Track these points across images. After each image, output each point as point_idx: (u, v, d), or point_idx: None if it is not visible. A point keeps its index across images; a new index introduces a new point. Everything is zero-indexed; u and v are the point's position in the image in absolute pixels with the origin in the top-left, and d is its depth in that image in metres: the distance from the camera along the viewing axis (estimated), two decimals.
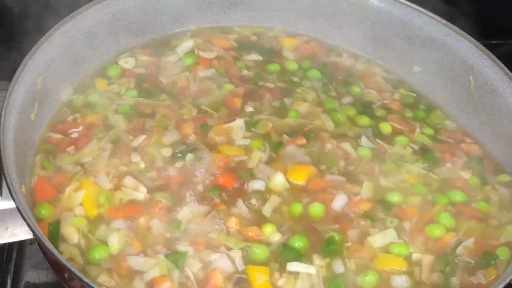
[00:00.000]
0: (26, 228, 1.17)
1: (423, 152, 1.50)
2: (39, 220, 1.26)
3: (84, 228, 1.26)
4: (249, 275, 1.22)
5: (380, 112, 1.58)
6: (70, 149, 1.40)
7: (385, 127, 1.54)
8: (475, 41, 1.59)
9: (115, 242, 1.24)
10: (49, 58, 1.44)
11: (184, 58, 1.65)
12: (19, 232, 1.26)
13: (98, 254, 1.22)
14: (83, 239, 1.25)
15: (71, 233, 1.26)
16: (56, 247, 1.22)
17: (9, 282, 1.46)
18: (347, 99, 1.61)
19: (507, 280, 1.16)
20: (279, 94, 1.59)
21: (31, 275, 1.48)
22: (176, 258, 1.22)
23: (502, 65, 1.53)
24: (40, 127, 1.42)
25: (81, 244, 1.24)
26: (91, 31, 1.55)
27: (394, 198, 1.38)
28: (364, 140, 1.50)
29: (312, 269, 1.24)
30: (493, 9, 2.11)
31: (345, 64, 1.71)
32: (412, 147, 1.50)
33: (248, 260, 1.24)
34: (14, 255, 1.49)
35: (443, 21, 1.63)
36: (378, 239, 1.31)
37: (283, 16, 1.77)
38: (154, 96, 1.53)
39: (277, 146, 1.45)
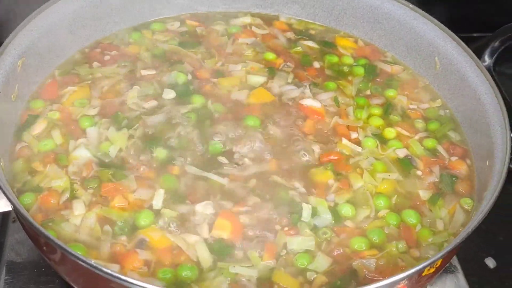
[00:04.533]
0: (4, 200, 1.23)
1: (402, 162, 1.47)
2: (27, 110, 1.49)
3: (54, 123, 1.46)
4: None
5: (396, 118, 1.58)
6: (96, 64, 1.62)
7: (389, 132, 1.54)
8: (440, 24, 1.64)
9: (57, 136, 1.44)
10: (29, 42, 1.50)
11: (230, 28, 1.79)
12: None
13: (46, 144, 1.42)
14: (45, 132, 1.44)
15: (39, 126, 1.45)
16: (21, 136, 1.43)
17: None
18: (378, 100, 1.63)
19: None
20: (322, 75, 1.67)
21: (13, 253, 1.50)
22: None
23: (465, 46, 1.57)
24: (20, 108, 1.49)
25: (42, 136, 1.44)
26: (70, 16, 1.61)
27: (345, 210, 1.35)
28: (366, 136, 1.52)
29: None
30: (471, 3, 2.16)
31: (390, 70, 1.72)
32: (397, 154, 1.49)
33: None
34: None
35: (410, 5, 1.69)
36: (295, 242, 1.28)
37: None
38: (190, 47, 1.70)
39: None
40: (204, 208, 1.32)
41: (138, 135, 1.45)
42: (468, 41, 1.61)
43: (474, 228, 1.15)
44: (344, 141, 1.49)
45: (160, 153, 1.42)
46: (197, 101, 1.55)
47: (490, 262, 1.60)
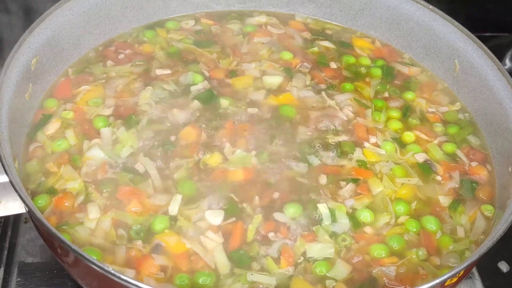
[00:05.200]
0: (19, 202, 1.21)
1: (422, 167, 1.45)
2: (41, 109, 1.47)
3: (68, 122, 1.44)
4: None
5: (414, 121, 1.55)
6: (110, 63, 1.60)
7: (408, 136, 1.51)
8: (460, 25, 1.61)
9: (71, 136, 1.42)
10: (43, 41, 1.48)
11: (246, 27, 1.77)
12: (12, 206, 1.29)
13: (60, 144, 1.41)
14: (59, 131, 1.43)
15: (53, 125, 1.43)
16: (34, 136, 1.41)
17: (4, 259, 1.48)
18: (396, 102, 1.60)
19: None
20: (339, 77, 1.65)
21: (25, 254, 1.49)
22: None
23: (486, 48, 1.55)
24: (33, 107, 1.47)
25: (55, 136, 1.42)
26: (84, 14, 1.59)
27: (364, 215, 1.33)
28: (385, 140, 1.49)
29: None
30: (486, 3, 2.14)
31: (407, 72, 1.70)
32: (416, 159, 1.46)
33: None
34: (9, 233, 1.52)
35: (430, 6, 1.66)
36: (314, 250, 1.27)
37: None
38: (205, 46, 1.68)
39: None
40: (215, 214, 1.31)
41: (155, 137, 1.43)
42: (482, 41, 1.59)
43: (499, 237, 1.12)
44: (367, 144, 1.47)
45: (178, 163, 1.39)
46: (219, 104, 1.52)
47: (504, 266, 1.59)
